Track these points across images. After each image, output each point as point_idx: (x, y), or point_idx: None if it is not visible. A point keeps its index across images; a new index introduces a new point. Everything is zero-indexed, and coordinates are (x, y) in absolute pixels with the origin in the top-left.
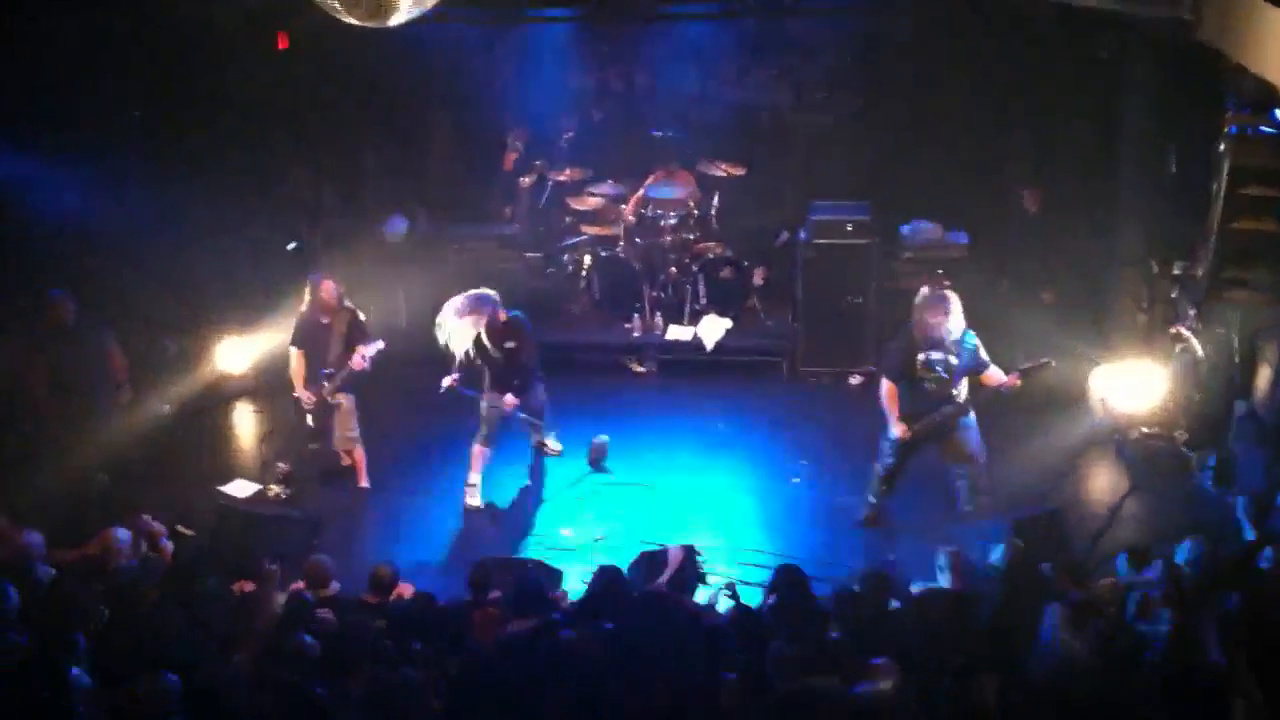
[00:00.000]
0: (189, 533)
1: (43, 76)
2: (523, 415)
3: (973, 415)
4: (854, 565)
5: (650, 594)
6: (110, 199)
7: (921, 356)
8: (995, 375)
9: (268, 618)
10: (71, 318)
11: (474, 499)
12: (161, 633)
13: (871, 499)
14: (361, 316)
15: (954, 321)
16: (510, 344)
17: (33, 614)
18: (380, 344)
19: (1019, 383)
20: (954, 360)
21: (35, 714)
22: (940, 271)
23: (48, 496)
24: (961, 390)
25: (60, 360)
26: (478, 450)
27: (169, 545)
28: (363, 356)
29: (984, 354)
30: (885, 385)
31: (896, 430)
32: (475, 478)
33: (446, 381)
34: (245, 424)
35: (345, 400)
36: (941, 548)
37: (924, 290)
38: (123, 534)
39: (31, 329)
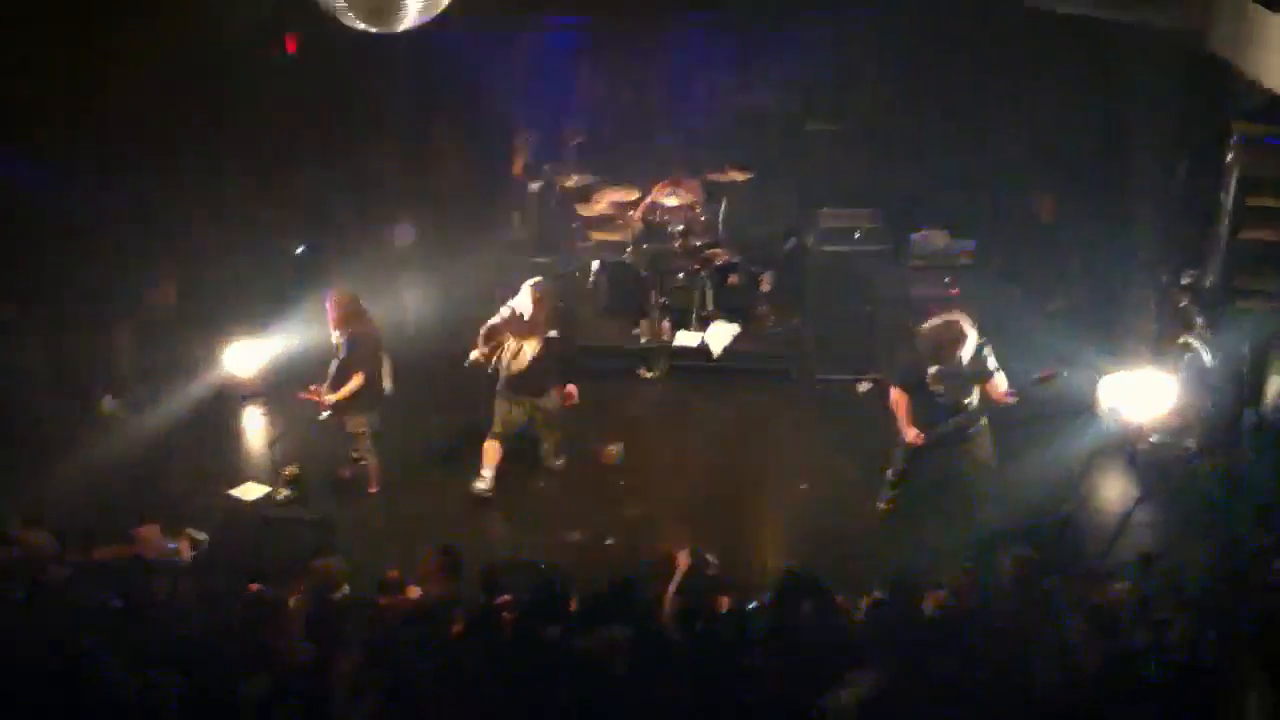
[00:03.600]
0: (201, 536)
1: (55, 80)
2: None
3: (984, 423)
4: (865, 571)
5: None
6: (122, 204)
7: (933, 369)
8: (999, 385)
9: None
10: (84, 318)
11: (484, 489)
12: (174, 631)
13: (882, 504)
14: (346, 347)
15: (967, 349)
16: (553, 333)
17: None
18: (328, 411)
19: (1014, 400)
20: (965, 370)
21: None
22: (948, 280)
23: (58, 498)
24: (973, 398)
25: (71, 361)
26: (491, 445)
27: (182, 548)
28: (324, 403)
29: (992, 361)
30: (895, 393)
31: (909, 435)
32: (487, 472)
33: (474, 355)
34: (254, 427)
35: (350, 421)
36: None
37: (940, 319)
38: (156, 531)
39: (42, 329)
